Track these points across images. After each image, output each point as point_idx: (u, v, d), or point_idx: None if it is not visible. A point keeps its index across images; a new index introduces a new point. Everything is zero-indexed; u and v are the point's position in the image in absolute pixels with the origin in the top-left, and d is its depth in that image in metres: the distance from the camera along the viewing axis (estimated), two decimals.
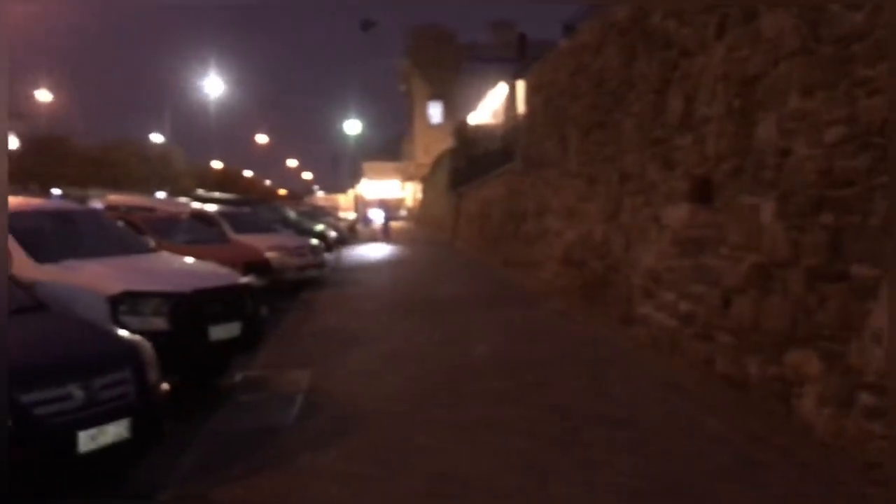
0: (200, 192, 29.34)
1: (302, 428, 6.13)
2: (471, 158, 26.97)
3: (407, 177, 69.60)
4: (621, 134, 9.93)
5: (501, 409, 6.46)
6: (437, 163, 42.05)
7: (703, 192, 7.27)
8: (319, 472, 5.10)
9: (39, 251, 7.24)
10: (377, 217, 38.65)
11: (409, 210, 67.07)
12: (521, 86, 17.84)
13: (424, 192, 55.03)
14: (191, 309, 7.18)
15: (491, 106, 24.21)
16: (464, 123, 30.69)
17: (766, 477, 4.76)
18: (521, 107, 17.92)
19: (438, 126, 59.06)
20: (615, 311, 9.92)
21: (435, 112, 62.77)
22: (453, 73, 56.85)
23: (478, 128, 27.17)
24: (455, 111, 49.51)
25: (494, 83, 23.60)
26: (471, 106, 30.16)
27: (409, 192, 70.13)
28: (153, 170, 58.64)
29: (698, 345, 7.31)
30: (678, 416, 6.09)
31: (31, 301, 5.62)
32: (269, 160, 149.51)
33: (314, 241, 18.25)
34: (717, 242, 6.95)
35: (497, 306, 12.44)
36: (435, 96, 62.11)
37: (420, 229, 47.64)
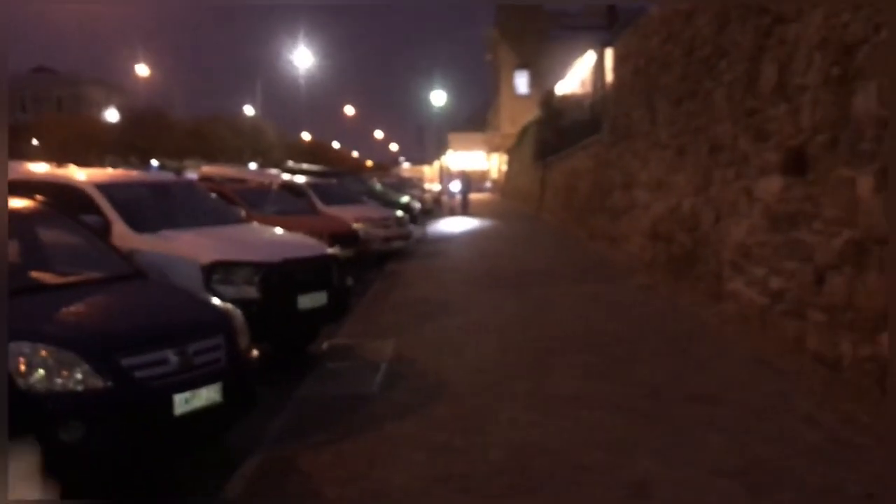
0: (290, 163, 30.01)
1: (387, 396, 6.27)
2: (557, 129, 26.64)
3: (492, 148, 69.31)
4: (712, 104, 9.63)
5: (586, 383, 6.44)
6: (523, 134, 41.68)
7: (797, 165, 7.01)
8: (404, 439, 5.22)
9: (138, 221, 7.58)
10: (455, 188, 36.54)
11: (494, 182, 66.85)
12: (609, 54, 17.47)
13: (510, 163, 54.70)
14: (280, 278, 7.40)
15: (578, 75, 23.78)
16: (550, 93, 30.25)
17: (856, 459, 4.61)
18: (609, 76, 17.57)
19: (525, 96, 58.49)
20: (703, 286, 9.71)
21: (521, 82, 62.14)
22: (540, 42, 56.05)
23: (565, 98, 26.76)
24: (542, 81, 48.88)
25: (582, 52, 23.16)
26: (558, 75, 29.70)
27: (494, 164, 69.87)
28: (245, 142, 60.22)
29: (789, 322, 7.10)
30: (768, 395, 5.94)
31: (130, 269, 5.91)
32: (356, 132, 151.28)
33: (399, 213, 18.46)
34: (812, 217, 6.70)
35: (582, 280, 12.35)
36: (521, 66, 61.44)
37: (505, 201, 47.48)
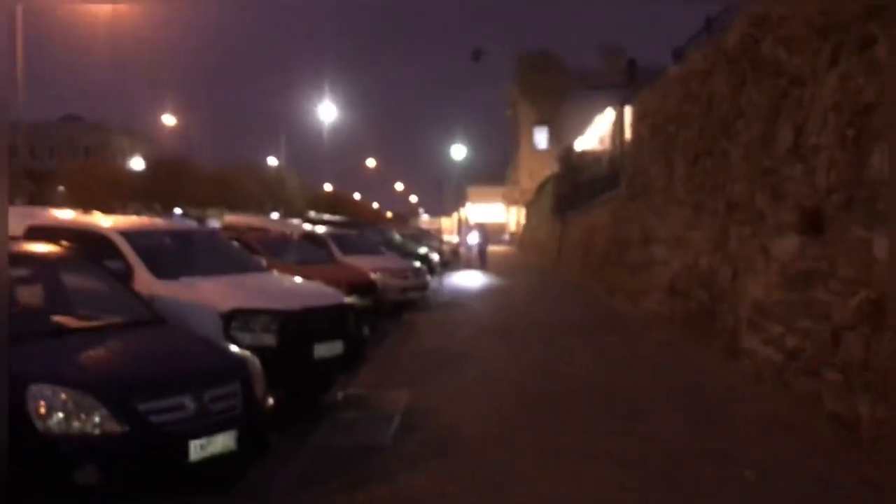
0: (312, 213, 30.35)
1: (399, 447, 6.26)
2: (576, 184, 26.83)
3: (511, 201, 69.68)
4: (729, 162, 9.72)
5: (600, 438, 6.41)
6: (542, 188, 41.96)
7: (813, 224, 7.04)
8: (416, 491, 5.21)
9: (160, 268, 7.71)
10: (472, 241, 35.44)
11: (513, 235, 67.06)
12: (628, 112, 17.68)
13: (528, 217, 54.94)
14: (298, 326, 7.46)
15: (597, 132, 24.06)
16: (569, 149, 30.56)
17: None
18: (627, 133, 17.76)
19: (543, 151, 58.95)
20: (720, 343, 9.67)
21: (540, 137, 62.72)
22: (560, 99, 56.74)
23: (583, 153, 27.02)
24: (560, 136, 49.36)
25: (601, 109, 23.45)
26: (577, 131, 30.03)
27: (513, 217, 70.15)
28: (268, 191, 60.95)
29: (805, 381, 7.05)
30: (784, 454, 5.88)
31: (151, 315, 6.00)
32: (377, 184, 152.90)
33: (417, 264, 18.55)
34: (827, 276, 6.71)
35: (599, 334, 12.32)
36: (541, 122, 62.08)
37: (522, 254, 47.56)
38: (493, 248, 37.38)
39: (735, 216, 9.44)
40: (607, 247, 18.97)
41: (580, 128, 29.22)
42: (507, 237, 67.71)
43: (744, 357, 8.76)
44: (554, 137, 57.26)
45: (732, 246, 9.51)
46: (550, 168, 38.78)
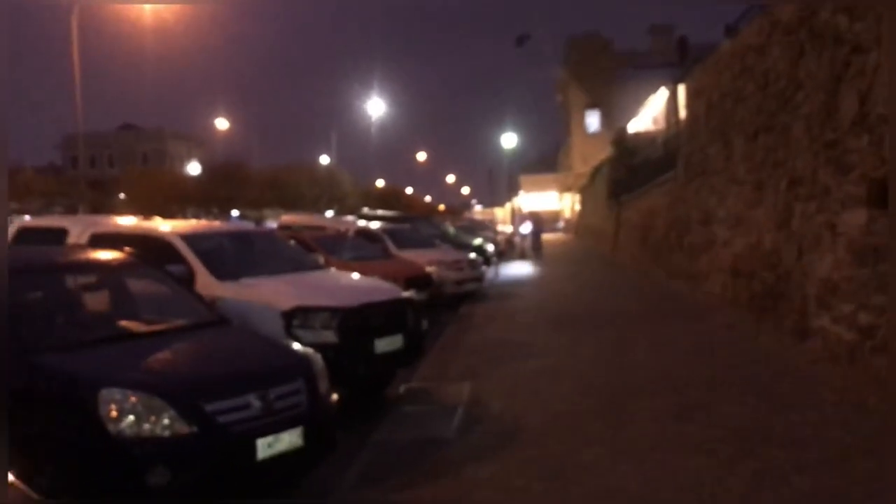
0: (365, 210, 30.58)
1: (463, 440, 6.25)
2: (630, 167, 26.42)
3: (564, 188, 69.12)
4: (790, 137, 9.43)
5: (668, 426, 6.28)
6: (596, 173, 41.47)
7: (881, 197, 6.77)
8: (482, 484, 5.18)
9: (220, 270, 7.83)
10: (525, 230, 34.28)
11: (567, 222, 66.52)
12: (682, 91, 17.32)
13: (582, 203, 54.40)
14: (358, 323, 7.50)
15: (650, 113, 23.64)
16: (622, 131, 30.10)
17: None
18: (682, 112, 17.40)
19: (596, 135, 58.30)
20: (787, 323, 9.40)
21: (592, 121, 62.04)
22: (610, 81, 55.93)
23: (637, 135, 26.59)
24: (613, 119, 48.73)
25: (653, 89, 23.03)
26: (629, 113, 29.57)
27: (566, 204, 69.56)
28: (322, 190, 61.61)
29: (880, 359, 6.80)
30: (860, 437, 5.68)
31: (214, 316, 6.09)
32: (428, 177, 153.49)
33: (472, 255, 18.52)
34: None
35: (661, 320, 12.11)
36: (592, 105, 61.39)
37: (578, 241, 47.14)
38: (547, 237, 36.96)
39: (798, 192, 9.15)
40: (666, 230, 18.64)
41: (633, 109, 28.76)
42: (561, 224, 67.22)
43: (813, 337, 8.49)
44: (606, 120, 56.57)
45: (797, 223, 9.23)
46: (604, 152, 38.26)
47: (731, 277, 12.19)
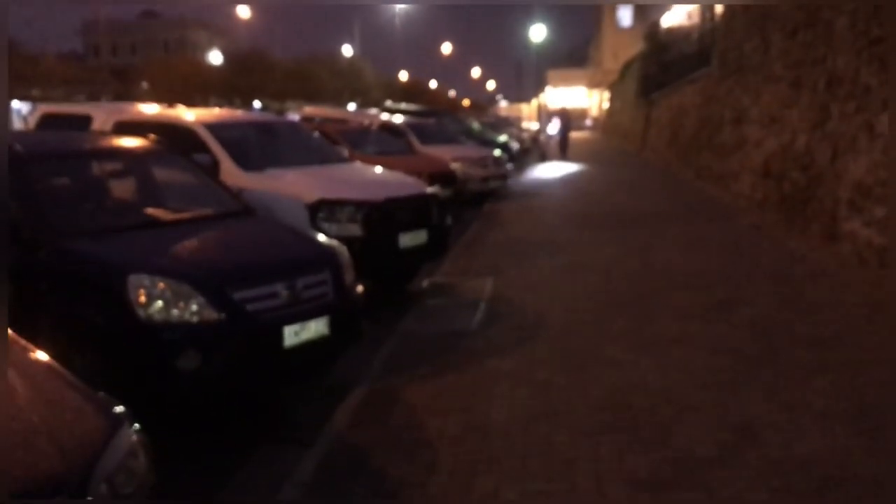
0: (388, 103, 30.13)
1: (486, 333, 6.31)
2: (663, 63, 25.66)
3: (593, 84, 67.55)
4: (832, 33, 9.04)
5: (691, 324, 6.29)
6: (626, 69, 40.38)
7: None
8: (505, 375, 5.25)
9: (246, 160, 7.78)
10: (552, 129, 33.34)
11: (595, 119, 65.36)
12: None
13: (611, 100, 53.24)
14: (382, 217, 7.49)
15: (686, 6, 22.74)
16: (656, 26, 29.06)
17: None
18: (718, 6, 16.73)
19: (628, 30, 56.54)
20: (817, 226, 9.27)
21: (624, 15, 60.05)
22: None
23: (671, 30, 25.69)
24: (646, 13, 47.02)
25: None
26: (663, 7, 28.49)
27: (595, 101, 68.17)
28: (344, 83, 60.74)
29: None
30: (886, 341, 5.66)
31: (240, 206, 6.09)
32: (453, 70, 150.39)
33: (497, 152, 18.30)
34: None
35: (688, 220, 12.00)
36: None
37: (606, 139, 46.44)
38: (575, 135, 36.20)
39: (837, 91, 8.85)
40: (696, 129, 18.25)
41: (667, 2, 27.68)
42: (589, 122, 66.08)
43: (843, 240, 8.39)
44: (639, 14, 54.64)
45: (833, 124, 8.96)
46: (636, 47, 37.12)
47: (762, 178, 11.99)
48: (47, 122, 9.55)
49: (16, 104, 46.25)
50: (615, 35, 59.26)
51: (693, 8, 20.57)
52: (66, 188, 5.93)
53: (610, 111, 53.59)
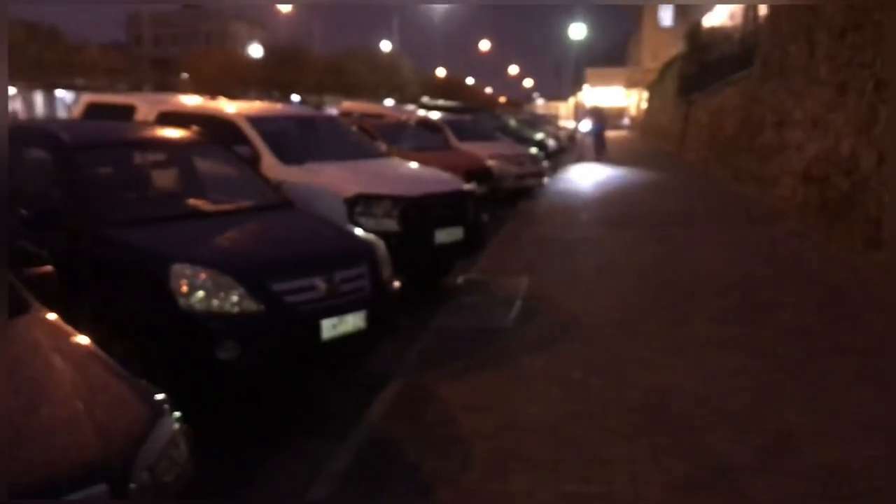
0: (425, 99, 30.16)
1: (520, 331, 6.30)
2: (703, 64, 25.35)
3: (632, 84, 66.90)
4: (882, 36, 8.85)
5: (727, 328, 6.22)
6: (666, 69, 39.95)
7: None
8: (538, 374, 5.24)
9: (285, 153, 7.84)
10: (584, 127, 32.06)
11: (633, 119, 64.78)
12: None
13: (650, 99, 52.69)
14: (419, 212, 7.51)
15: (728, 6, 22.45)
16: (697, 25, 28.70)
17: None
18: (762, 7, 16.49)
19: (669, 29, 55.89)
20: (859, 232, 9.10)
21: (665, 14, 59.37)
22: None
23: (712, 30, 25.38)
24: (688, 13, 46.49)
25: None
26: (705, 6, 28.14)
27: (633, 100, 67.56)
28: (382, 78, 60.89)
29: None
30: None
31: (280, 199, 6.14)
32: (491, 67, 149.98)
33: (533, 150, 18.22)
34: None
35: (725, 223, 11.87)
36: None
37: (643, 139, 46.01)
38: (611, 134, 35.82)
39: (885, 95, 8.67)
40: (736, 131, 18.01)
41: (709, 2, 27.35)
42: (627, 122, 65.51)
43: (886, 248, 8.22)
44: (680, 13, 54.04)
45: (880, 128, 8.78)
46: (676, 47, 36.70)
47: (803, 182, 11.80)
48: (92, 111, 9.70)
49: (60, 93, 47.20)
50: (655, 34, 58.65)
51: (736, 8, 20.30)
52: (110, 177, 6.04)
53: (648, 111, 53.06)
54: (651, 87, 51.13)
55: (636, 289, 7.71)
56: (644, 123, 53.85)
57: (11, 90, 46.30)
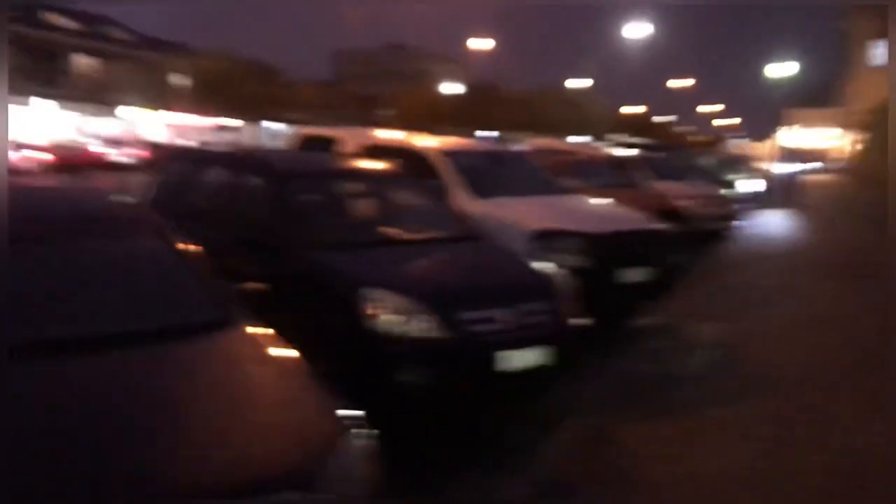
0: (616, 137, 29.85)
1: (705, 380, 6.06)
2: None
3: (841, 125, 62.65)
4: None
5: None
6: (882, 110, 37.05)
7: None
8: (723, 427, 5.02)
9: (477, 188, 8.07)
10: (779, 169, 30.08)
11: (844, 163, 60.51)
12: None
13: (864, 142, 49.02)
14: (605, 250, 7.45)
15: None
16: None
17: None
18: None
19: (883, 68, 51.94)
20: None
21: (879, 52, 55.26)
22: None
23: None
24: None
25: None
26: None
27: (842, 143, 63.16)
28: (573, 114, 61.00)
29: None
30: None
31: (469, 231, 6.33)
32: (684, 105, 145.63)
33: (725, 192, 17.50)
34: None
35: None
36: (880, 34, 54.52)
37: (856, 186, 42.79)
38: (813, 178, 33.57)
39: None
40: None
41: None
42: (831, 166, 61.35)
43: None
44: None
45: None
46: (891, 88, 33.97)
47: None
48: (306, 143, 10.49)
49: (274, 125, 51.39)
50: (867, 74, 54.67)
51: None
52: (313, 203, 6.49)
53: (863, 155, 49.32)
54: (863, 129, 47.56)
55: (836, 345, 7.18)
56: (858, 169, 50.02)
57: (238, 122, 51.13)
